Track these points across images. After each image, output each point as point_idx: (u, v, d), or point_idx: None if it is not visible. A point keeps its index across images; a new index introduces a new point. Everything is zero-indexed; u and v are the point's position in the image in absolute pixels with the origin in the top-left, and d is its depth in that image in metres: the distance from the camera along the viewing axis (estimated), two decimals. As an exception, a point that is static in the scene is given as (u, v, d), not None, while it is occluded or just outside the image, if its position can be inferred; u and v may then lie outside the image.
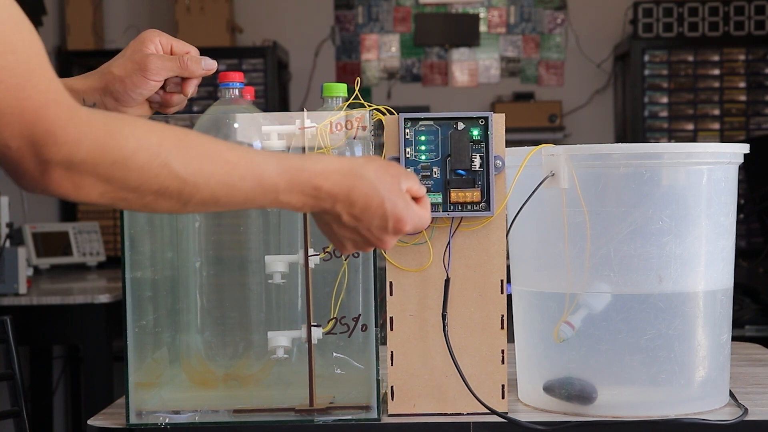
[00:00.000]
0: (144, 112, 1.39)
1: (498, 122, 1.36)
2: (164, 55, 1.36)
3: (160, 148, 1.00)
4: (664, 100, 4.62)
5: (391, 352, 1.39)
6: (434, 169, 1.36)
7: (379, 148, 1.37)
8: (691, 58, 4.60)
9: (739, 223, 1.55)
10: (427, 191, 1.36)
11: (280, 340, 1.39)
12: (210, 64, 1.39)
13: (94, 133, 0.96)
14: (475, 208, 1.35)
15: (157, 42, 1.36)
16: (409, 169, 1.28)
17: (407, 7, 5.08)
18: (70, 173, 0.96)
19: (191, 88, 1.39)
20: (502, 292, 1.38)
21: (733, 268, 1.43)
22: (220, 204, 1.07)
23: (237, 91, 1.44)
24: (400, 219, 1.14)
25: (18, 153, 0.93)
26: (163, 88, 1.38)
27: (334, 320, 1.39)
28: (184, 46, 1.38)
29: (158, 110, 1.41)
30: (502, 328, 1.38)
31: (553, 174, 1.36)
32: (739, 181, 1.52)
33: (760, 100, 4.59)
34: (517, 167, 1.37)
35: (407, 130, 1.36)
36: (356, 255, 1.38)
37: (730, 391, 1.44)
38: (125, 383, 1.38)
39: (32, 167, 0.94)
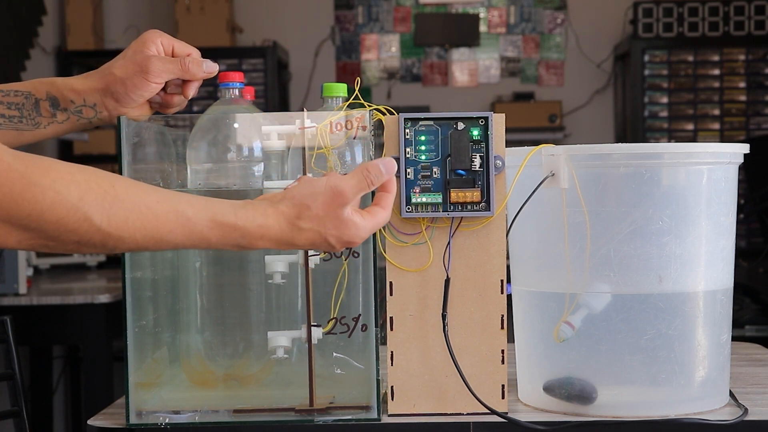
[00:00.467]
0: (144, 112, 1.39)
1: (498, 122, 1.36)
2: (166, 57, 1.36)
3: (80, 203, 0.99)
4: (664, 100, 4.62)
5: (391, 352, 1.39)
6: (434, 169, 1.36)
7: (379, 148, 1.38)
8: (691, 58, 4.60)
9: (739, 223, 1.55)
10: (427, 191, 1.36)
11: (280, 340, 1.39)
12: (211, 67, 1.39)
13: (9, 185, 0.95)
14: (475, 208, 1.35)
15: (158, 43, 1.36)
16: (344, 174, 1.23)
17: (407, 7, 5.08)
18: None
19: (192, 90, 1.40)
20: (502, 292, 1.38)
21: (733, 268, 1.43)
22: (148, 250, 1.09)
23: (237, 91, 1.44)
24: (350, 241, 1.18)
25: None
26: (164, 89, 1.38)
27: (334, 320, 1.39)
28: (186, 47, 1.38)
29: (158, 111, 1.41)
30: (502, 328, 1.38)
31: (553, 174, 1.36)
32: (739, 181, 1.52)
33: (760, 100, 4.59)
34: (517, 167, 1.37)
35: (407, 130, 1.36)
36: (356, 255, 1.38)
37: (730, 391, 1.44)
38: (125, 383, 1.38)
39: None
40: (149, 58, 1.34)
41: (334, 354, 1.40)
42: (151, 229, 1.05)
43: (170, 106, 1.40)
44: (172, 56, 1.37)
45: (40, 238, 0.99)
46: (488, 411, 1.35)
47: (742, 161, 1.42)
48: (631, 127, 4.66)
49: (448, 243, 1.37)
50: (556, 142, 1.53)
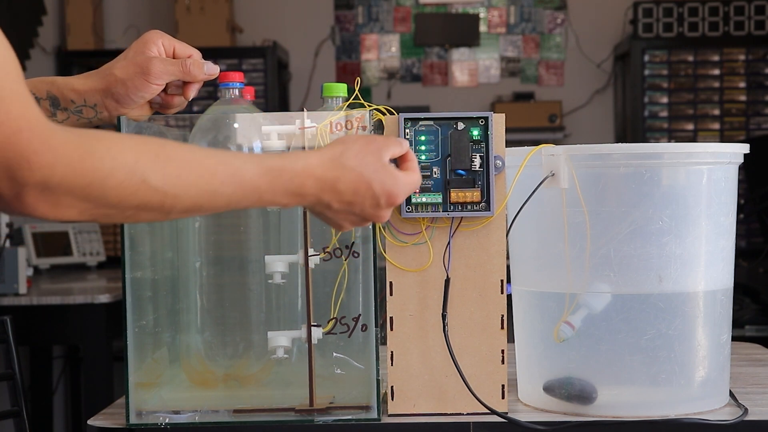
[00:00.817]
0: (144, 112, 1.39)
1: (498, 122, 1.36)
2: (167, 58, 1.36)
3: (136, 165, 1.00)
4: (664, 100, 4.62)
5: (391, 352, 1.39)
6: (434, 169, 1.36)
7: (379, 148, 1.37)
8: (691, 58, 4.60)
9: (739, 223, 1.55)
10: (427, 191, 1.36)
11: (280, 340, 1.39)
12: (212, 69, 1.39)
13: (68, 157, 0.96)
14: (475, 208, 1.35)
15: (159, 44, 1.36)
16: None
17: (407, 7, 5.08)
18: (46, 195, 0.96)
19: (192, 92, 1.40)
20: (502, 292, 1.38)
21: (733, 268, 1.43)
22: (203, 209, 1.07)
23: (237, 91, 1.44)
24: (391, 194, 1.17)
25: None
26: (164, 90, 1.38)
27: (334, 320, 1.39)
28: (187, 48, 1.38)
29: (158, 111, 1.41)
30: (502, 328, 1.38)
31: (553, 174, 1.36)
32: (739, 181, 1.52)
33: (760, 100, 4.59)
34: (517, 167, 1.37)
35: (407, 130, 1.36)
36: (356, 255, 1.38)
37: (730, 391, 1.44)
38: (125, 383, 1.38)
39: (7, 191, 0.94)
40: (150, 60, 1.34)
41: (334, 354, 1.40)
42: (204, 183, 1.05)
43: (170, 106, 1.41)
44: (173, 57, 1.37)
45: (101, 207, 1.00)
46: (488, 411, 1.35)
47: (742, 161, 1.42)
48: (631, 127, 4.66)
49: (448, 243, 1.37)
50: (556, 142, 1.53)
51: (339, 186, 1.14)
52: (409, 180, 1.19)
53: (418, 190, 1.29)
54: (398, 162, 1.22)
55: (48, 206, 0.97)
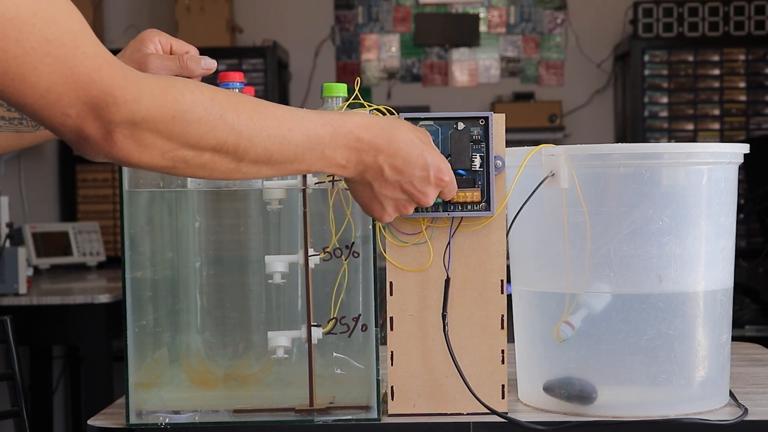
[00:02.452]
0: None
1: (498, 122, 1.36)
2: (164, 55, 1.36)
3: (213, 102, 1.01)
4: (664, 100, 4.62)
5: (391, 352, 1.39)
6: (434, 169, 1.36)
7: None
8: (691, 58, 4.60)
9: (739, 223, 1.55)
10: (427, 191, 1.36)
11: (280, 340, 1.39)
12: (209, 63, 1.39)
13: (150, 90, 0.97)
14: (475, 208, 1.35)
15: (156, 41, 1.36)
16: None
17: (407, 7, 5.08)
18: (133, 132, 0.96)
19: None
20: (502, 292, 1.38)
21: (733, 268, 1.43)
22: (272, 160, 1.07)
23: (237, 91, 1.44)
24: (440, 168, 1.20)
25: (79, 119, 0.94)
26: None
27: (334, 320, 1.39)
28: (184, 45, 1.38)
29: None
30: (502, 328, 1.38)
31: (553, 174, 1.36)
32: (739, 181, 1.52)
33: (760, 100, 4.59)
34: (517, 167, 1.37)
35: (407, 130, 1.36)
36: (356, 255, 1.38)
37: (730, 391, 1.44)
38: (125, 383, 1.38)
39: (95, 131, 0.95)
40: (147, 56, 1.34)
41: (334, 354, 1.40)
42: (275, 127, 1.06)
43: None
44: (171, 54, 1.37)
45: (182, 147, 1.00)
46: (488, 411, 1.35)
47: (742, 161, 1.42)
48: (631, 127, 4.66)
49: (448, 243, 1.37)
50: (556, 142, 1.53)
51: (393, 144, 1.16)
52: (451, 174, 1.24)
53: (453, 196, 1.30)
54: None
55: (135, 145, 0.97)
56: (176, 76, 1.37)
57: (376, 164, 1.15)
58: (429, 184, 1.20)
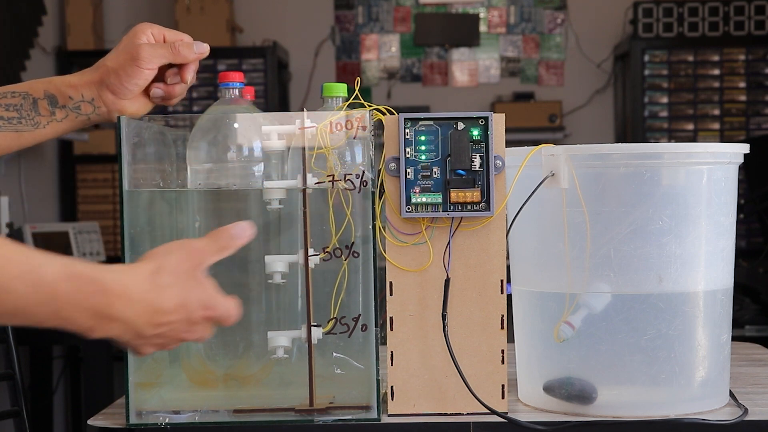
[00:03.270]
0: (143, 106, 1.39)
1: (498, 122, 1.36)
2: (156, 43, 1.36)
3: None
4: (664, 100, 4.62)
5: (391, 352, 1.39)
6: (434, 169, 1.36)
7: (379, 148, 1.38)
8: (691, 58, 4.60)
9: (739, 223, 1.55)
10: (427, 191, 1.36)
11: (280, 340, 1.39)
12: (202, 48, 1.39)
13: None
14: (475, 208, 1.35)
15: (148, 33, 1.37)
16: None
17: (407, 7, 5.08)
18: None
19: (190, 75, 1.39)
20: (502, 292, 1.38)
21: (733, 268, 1.43)
22: None
23: (237, 91, 1.44)
24: (213, 307, 1.07)
25: None
26: (163, 81, 1.38)
27: (334, 320, 1.39)
28: (177, 35, 1.38)
29: (162, 103, 1.41)
30: (502, 328, 1.38)
31: (553, 174, 1.36)
32: (739, 181, 1.52)
33: (760, 100, 4.59)
34: (517, 167, 1.37)
35: (407, 130, 1.36)
36: (356, 255, 1.38)
37: (730, 391, 1.44)
38: (125, 383, 1.38)
39: None
40: (139, 46, 1.35)
41: (334, 354, 1.40)
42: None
43: (172, 97, 1.40)
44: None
45: None
46: (488, 411, 1.35)
47: (742, 161, 1.42)
48: (631, 127, 4.66)
49: (448, 243, 1.37)
50: (556, 142, 1.53)
51: (161, 303, 1.01)
52: (227, 306, 1.08)
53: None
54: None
55: None
56: (173, 67, 1.38)
57: (135, 329, 1.01)
58: (209, 317, 1.07)
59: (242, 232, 1.11)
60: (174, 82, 1.39)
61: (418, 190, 1.36)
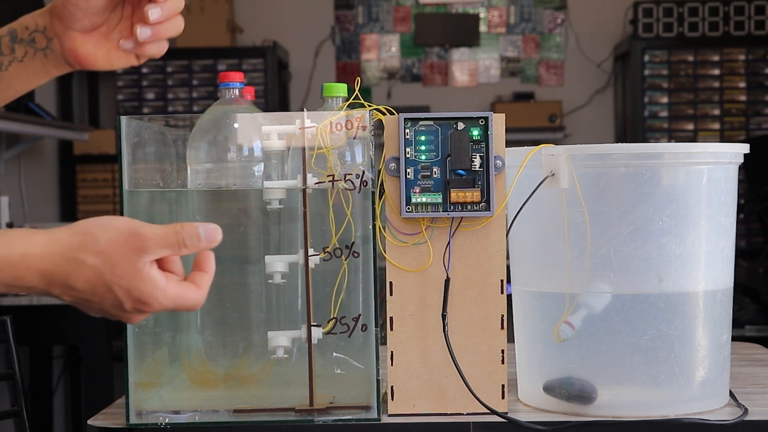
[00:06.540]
0: (103, 50, 1.17)
1: (498, 122, 1.36)
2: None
3: None
4: (664, 100, 4.62)
5: (391, 352, 1.39)
6: (434, 169, 1.36)
7: (379, 148, 1.38)
8: (691, 58, 4.60)
9: (739, 223, 1.55)
10: (427, 191, 1.36)
11: (280, 340, 1.39)
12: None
13: None
14: (475, 208, 1.35)
15: None
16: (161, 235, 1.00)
17: (407, 7, 5.08)
18: None
19: (158, 13, 1.12)
20: (502, 292, 1.38)
21: (733, 268, 1.43)
22: None
23: (237, 91, 1.44)
24: (141, 302, 0.97)
25: None
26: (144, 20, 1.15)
27: (334, 320, 1.39)
28: None
29: (137, 52, 1.18)
30: (502, 328, 1.38)
31: (553, 174, 1.36)
32: (739, 181, 1.52)
33: (760, 100, 4.59)
34: (517, 167, 1.37)
35: (407, 130, 1.36)
36: (356, 255, 1.38)
37: (730, 391, 1.44)
38: (125, 383, 1.38)
39: None
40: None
41: (334, 354, 1.40)
42: None
43: (145, 53, 1.17)
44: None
45: None
46: (488, 411, 1.35)
47: (742, 161, 1.42)
48: (631, 127, 4.66)
49: (448, 243, 1.37)
50: (556, 142, 1.53)
51: (70, 282, 0.95)
52: (178, 294, 0.98)
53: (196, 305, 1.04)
54: (194, 265, 1.02)
55: None
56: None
57: (51, 293, 0.96)
58: (126, 312, 0.98)
59: (209, 235, 0.99)
60: (155, 20, 1.13)
61: (418, 190, 1.36)
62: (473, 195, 1.35)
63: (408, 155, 1.36)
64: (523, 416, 1.36)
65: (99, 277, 0.95)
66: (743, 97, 4.59)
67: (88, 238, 0.95)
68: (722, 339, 1.41)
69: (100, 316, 1.01)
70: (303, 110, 1.37)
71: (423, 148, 1.36)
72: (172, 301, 0.98)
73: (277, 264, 1.38)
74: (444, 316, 1.37)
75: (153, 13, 1.11)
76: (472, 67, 5.07)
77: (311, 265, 1.37)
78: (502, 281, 1.38)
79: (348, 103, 1.40)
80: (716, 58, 4.59)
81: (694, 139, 4.58)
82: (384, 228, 1.38)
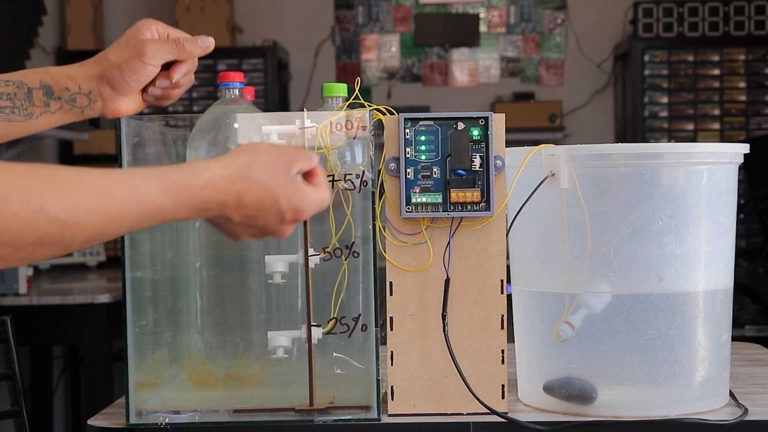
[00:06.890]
0: (138, 104, 1.36)
1: (498, 122, 1.36)
2: (161, 39, 1.33)
3: (29, 193, 0.90)
4: (664, 100, 4.62)
5: (391, 352, 1.39)
6: (434, 169, 1.36)
7: (379, 147, 1.38)
8: (691, 58, 4.60)
9: (739, 223, 1.55)
10: (427, 191, 1.36)
11: (280, 340, 1.39)
12: (207, 42, 1.36)
13: None
14: (475, 208, 1.35)
15: (153, 29, 1.33)
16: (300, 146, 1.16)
17: (407, 7, 5.08)
18: None
19: (181, 72, 1.35)
20: (502, 292, 1.38)
21: (733, 268, 1.43)
22: (105, 237, 0.97)
23: (237, 91, 1.44)
24: (298, 209, 1.09)
25: None
26: (168, 80, 1.35)
27: (334, 320, 1.39)
28: (181, 34, 1.35)
29: (156, 103, 1.38)
30: (502, 328, 1.38)
31: (553, 174, 1.36)
32: (739, 181, 1.52)
33: (760, 100, 4.59)
34: (517, 167, 1.37)
35: (407, 130, 1.36)
36: (356, 255, 1.38)
37: (730, 391, 1.44)
38: (125, 383, 1.38)
39: None
40: (144, 42, 1.32)
41: (334, 354, 1.40)
42: (105, 206, 0.94)
43: (170, 98, 1.37)
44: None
45: None
46: (488, 411, 1.35)
47: (742, 161, 1.42)
48: (631, 127, 4.66)
49: (448, 243, 1.37)
50: (556, 142, 1.53)
51: (244, 199, 1.05)
52: (318, 197, 1.11)
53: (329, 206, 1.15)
54: (306, 176, 1.13)
55: None
56: (175, 59, 1.34)
57: (225, 215, 1.06)
58: (285, 223, 1.09)
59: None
60: (176, 80, 1.35)
61: (418, 190, 1.36)
62: (473, 195, 1.35)
63: (408, 155, 1.36)
64: (523, 416, 1.36)
65: (266, 190, 1.06)
66: (743, 97, 4.59)
67: (252, 157, 1.07)
68: (722, 339, 1.41)
69: (253, 238, 1.11)
70: (303, 110, 1.37)
71: (423, 148, 1.36)
72: (317, 203, 1.11)
73: (277, 264, 1.38)
74: (444, 316, 1.37)
75: (182, 71, 1.35)
76: (472, 67, 5.07)
77: (311, 265, 1.37)
78: (502, 281, 1.38)
79: (348, 103, 1.40)
80: (716, 58, 4.59)
81: (694, 139, 4.58)
82: (384, 228, 1.38)
